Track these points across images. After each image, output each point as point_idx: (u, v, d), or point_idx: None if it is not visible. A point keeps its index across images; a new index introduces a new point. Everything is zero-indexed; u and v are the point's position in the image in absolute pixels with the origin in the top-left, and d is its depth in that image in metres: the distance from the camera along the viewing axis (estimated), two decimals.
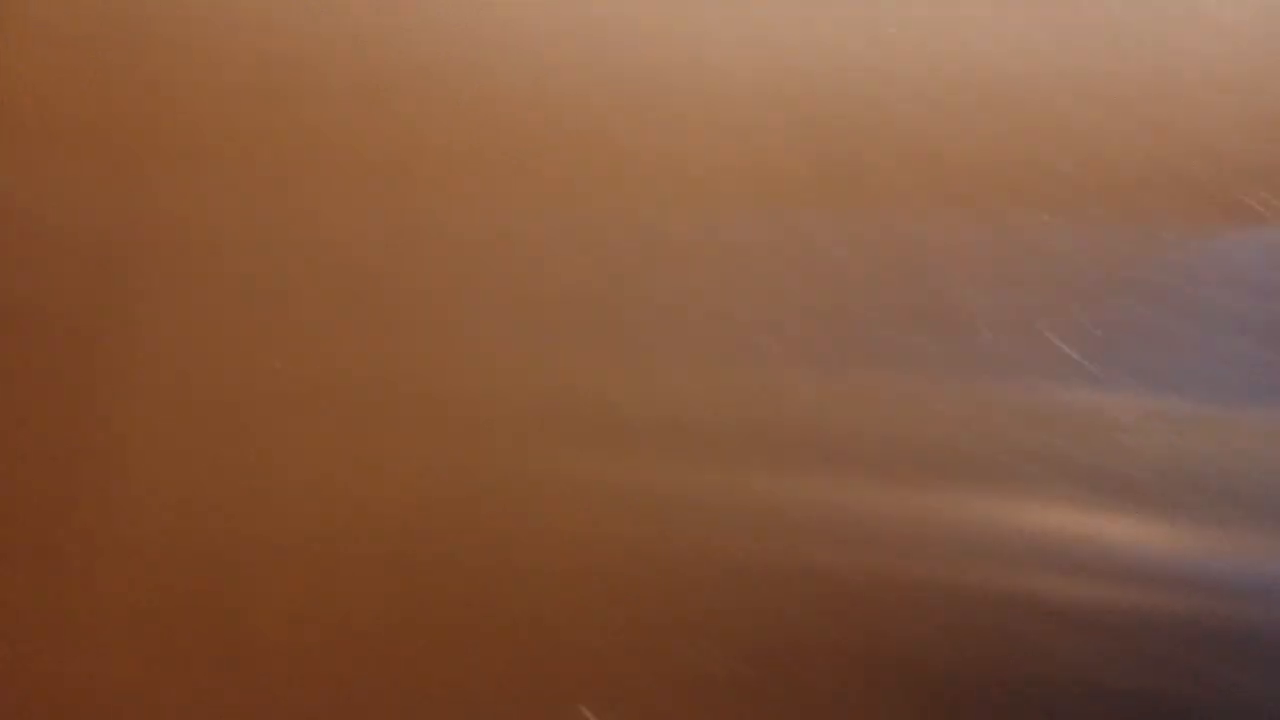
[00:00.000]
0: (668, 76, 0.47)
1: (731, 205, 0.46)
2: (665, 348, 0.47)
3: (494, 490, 0.48)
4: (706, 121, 0.47)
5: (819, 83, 0.46)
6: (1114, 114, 0.44)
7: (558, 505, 0.47)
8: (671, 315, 0.47)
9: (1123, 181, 0.44)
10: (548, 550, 0.47)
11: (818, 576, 0.45)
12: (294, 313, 0.50)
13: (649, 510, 0.46)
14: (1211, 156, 0.43)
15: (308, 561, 0.49)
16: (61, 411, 0.52)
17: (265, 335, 0.50)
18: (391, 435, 0.49)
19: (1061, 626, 0.42)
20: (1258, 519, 0.42)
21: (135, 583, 0.51)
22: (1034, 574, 0.43)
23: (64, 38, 0.52)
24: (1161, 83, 0.43)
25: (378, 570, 0.48)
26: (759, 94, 0.46)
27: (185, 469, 0.50)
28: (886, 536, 0.44)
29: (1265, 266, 0.43)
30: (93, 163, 0.52)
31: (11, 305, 0.52)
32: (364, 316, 0.49)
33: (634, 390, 0.47)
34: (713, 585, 0.46)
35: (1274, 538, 0.42)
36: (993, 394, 0.44)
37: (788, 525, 0.45)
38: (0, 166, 0.53)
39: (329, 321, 0.49)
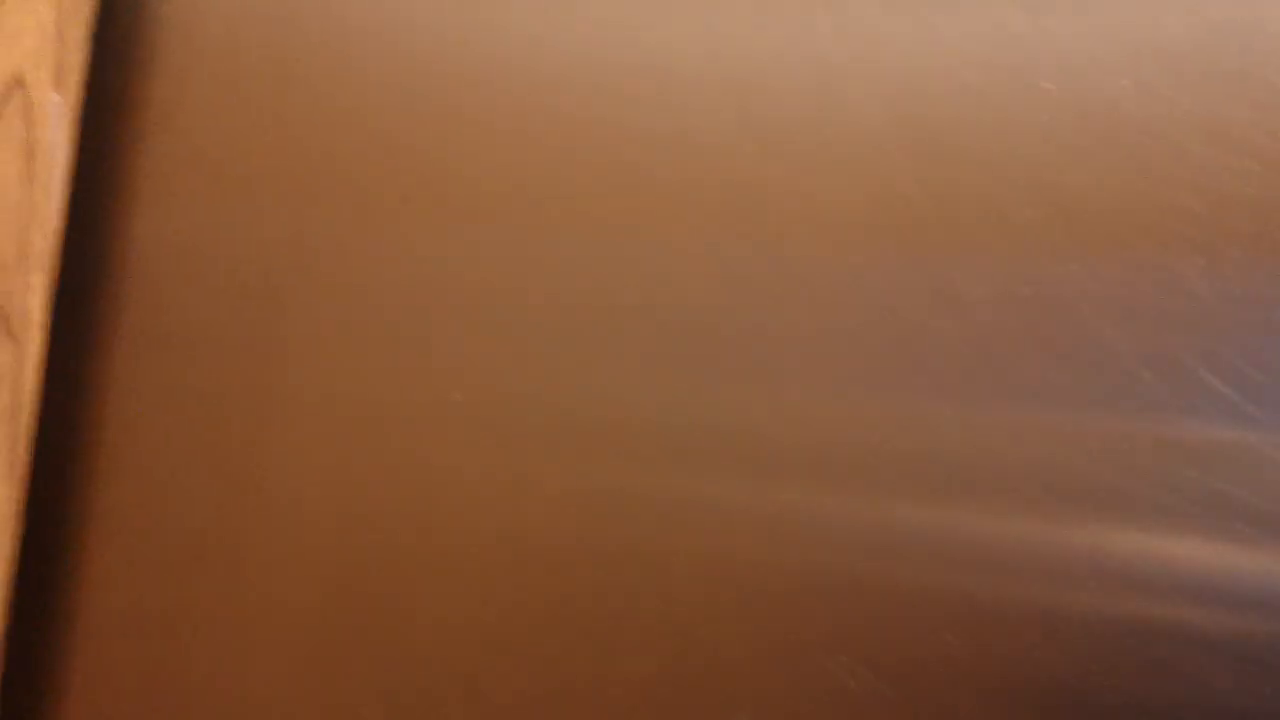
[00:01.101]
0: (801, 114, 0.49)
1: (869, 244, 0.48)
2: (810, 381, 0.48)
3: (644, 510, 0.49)
4: (842, 161, 0.48)
5: (950, 120, 0.47)
6: (1243, 157, 0.45)
7: (708, 527, 0.49)
8: (815, 350, 0.48)
9: (1256, 223, 0.44)
10: (697, 567, 0.49)
11: (964, 602, 0.46)
12: (442, 333, 0.52)
13: (798, 534, 0.48)
14: None
15: (460, 570, 0.51)
16: (224, 427, 0.54)
17: (415, 355, 0.52)
18: (541, 453, 0.51)
19: (1211, 658, 0.43)
20: None
21: (294, 588, 0.53)
22: (1183, 606, 0.43)
23: (221, 81, 0.55)
24: None
25: (527, 582, 0.50)
26: (891, 132, 0.48)
27: (340, 480, 0.52)
28: (1033, 566, 0.45)
29: None
30: (249, 196, 0.55)
31: (177, 329, 0.55)
32: (511, 339, 0.51)
33: (778, 421, 0.48)
34: (857, 607, 0.47)
35: None
36: (1144, 430, 0.45)
37: (933, 552, 0.46)
38: (162, 201, 0.56)
39: (475, 342, 0.51)
